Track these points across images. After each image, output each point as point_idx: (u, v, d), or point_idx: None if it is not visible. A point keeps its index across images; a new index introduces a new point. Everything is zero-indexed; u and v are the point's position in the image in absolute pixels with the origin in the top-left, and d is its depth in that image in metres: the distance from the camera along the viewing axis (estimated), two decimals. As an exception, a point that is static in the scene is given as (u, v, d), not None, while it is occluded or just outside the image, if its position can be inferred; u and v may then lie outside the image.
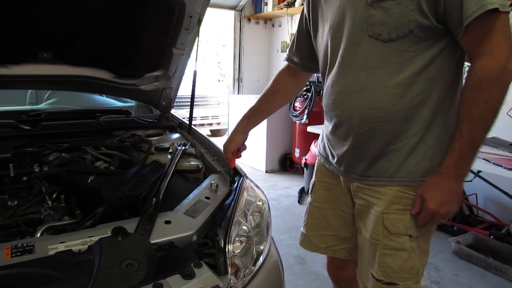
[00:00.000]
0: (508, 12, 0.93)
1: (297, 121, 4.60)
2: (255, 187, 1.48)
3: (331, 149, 1.29)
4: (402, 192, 1.12)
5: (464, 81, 1.03)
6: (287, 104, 3.54)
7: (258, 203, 1.39)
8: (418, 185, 1.10)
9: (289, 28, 5.34)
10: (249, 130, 1.47)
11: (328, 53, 1.20)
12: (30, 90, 2.61)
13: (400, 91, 1.06)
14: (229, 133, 1.48)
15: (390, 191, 1.13)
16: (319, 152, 1.41)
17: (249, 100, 5.18)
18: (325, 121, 1.32)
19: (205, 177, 1.58)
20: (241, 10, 5.54)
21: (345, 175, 1.25)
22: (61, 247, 0.99)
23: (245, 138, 1.45)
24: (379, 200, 1.15)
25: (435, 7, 0.97)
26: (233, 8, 5.49)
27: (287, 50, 1.47)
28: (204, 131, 6.36)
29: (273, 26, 5.80)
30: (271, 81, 1.48)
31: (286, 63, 1.48)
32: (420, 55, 1.03)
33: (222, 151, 1.49)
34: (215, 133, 7.25)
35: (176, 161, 1.58)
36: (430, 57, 1.04)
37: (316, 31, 1.29)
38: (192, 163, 1.67)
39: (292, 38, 1.45)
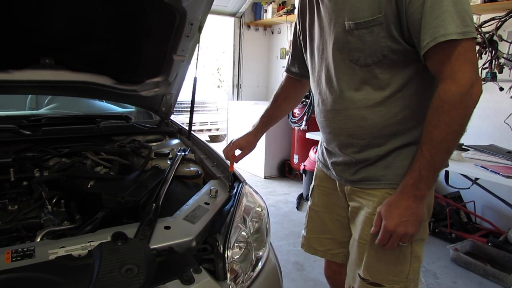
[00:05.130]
0: (473, 38, 0.94)
1: (296, 128, 4.62)
2: (254, 193, 1.49)
3: (327, 157, 1.35)
4: (390, 194, 1.13)
5: None
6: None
7: (257, 209, 1.40)
8: None
9: (288, 35, 5.37)
10: (262, 135, 1.54)
11: (316, 71, 1.26)
12: (30, 95, 2.62)
13: (382, 108, 1.10)
14: (228, 139, 1.52)
15: (379, 193, 1.16)
16: (318, 158, 1.45)
17: (248, 106, 5.20)
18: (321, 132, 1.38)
19: (204, 183, 1.59)
20: (241, 17, 5.57)
21: (339, 180, 1.31)
22: (61, 252, 1.00)
23: (255, 144, 1.53)
24: (369, 201, 1.18)
25: (403, 32, 1.01)
26: (233, 15, 5.53)
27: (287, 60, 1.52)
28: (203, 137, 6.37)
29: (272, 33, 5.84)
30: (279, 87, 1.54)
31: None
32: (398, 74, 1.07)
33: (229, 147, 1.51)
34: (214, 138, 7.26)
35: (175, 166, 1.58)
36: (409, 75, 1.07)
37: (305, 46, 1.35)
38: (191, 168, 1.67)
39: (290, 49, 1.50)
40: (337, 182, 1.33)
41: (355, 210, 1.26)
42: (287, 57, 1.52)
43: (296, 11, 4.95)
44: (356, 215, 1.25)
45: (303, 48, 1.38)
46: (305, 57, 1.37)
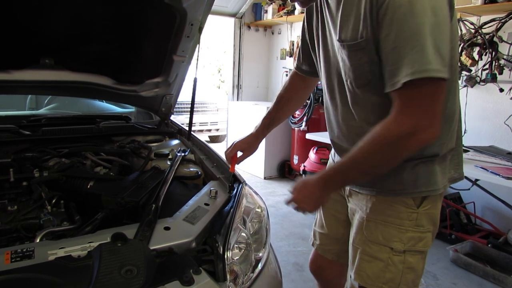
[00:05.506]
0: (434, 78, 0.86)
1: (296, 128, 4.62)
2: (254, 194, 1.48)
3: (335, 156, 1.38)
4: (381, 201, 1.15)
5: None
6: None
7: (257, 210, 1.40)
8: (394, 196, 1.13)
9: (288, 35, 5.37)
10: (264, 137, 1.54)
11: (322, 76, 1.26)
12: (30, 95, 2.62)
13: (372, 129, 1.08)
14: (228, 139, 1.54)
15: (372, 198, 1.17)
16: (331, 154, 1.47)
17: (248, 107, 5.20)
18: None
19: (204, 184, 1.59)
20: (241, 17, 5.58)
21: None
22: (61, 253, 0.99)
23: (257, 145, 1.53)
24: (362, 206, 1.21)
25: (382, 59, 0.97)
26: (233, 15, 5.53)
27: (295, 59, 1.52)
28: (203, 137, 6.36)
29: (272, 33, 5.84)
30: (282, 89, 1.54)
31: (292, 70, 1.54)
32: (387, 97, 0.99)
33: (231, 149, 1.50)
34: (214, 139, 7.27)
35: (175, 167, 1.58)
36: None
37: (313, 47, 1.32)
38: (191, 169, 1.67)
39: (298, 48, 1.49)
40: None
41: (352, 212, 1.29)
42: (287, 58, 1.57)
43: (296, 11, 4.99)
44: (353, 217, 1.28)
45: (311, 48, 1.35)
46: (313, 57, 1.35)
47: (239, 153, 1.51)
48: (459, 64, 3.12)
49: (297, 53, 1.48)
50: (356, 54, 1.00)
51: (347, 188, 1.29)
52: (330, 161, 1.48)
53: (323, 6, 1.16)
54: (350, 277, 1.25)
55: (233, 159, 1.49)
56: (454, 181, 1.19)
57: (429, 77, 0.86)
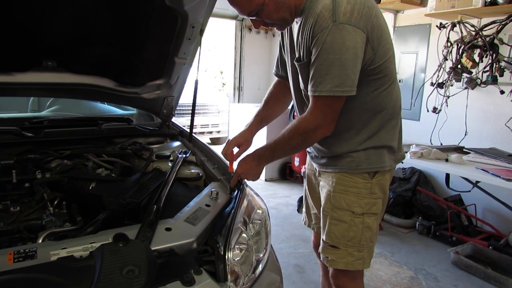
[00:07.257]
0: (334, 96, 1.23)
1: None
2: (255, 195, 1.49)
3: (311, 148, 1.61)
4: (343, 176, 1.43)
5: (387, 108, 1.37)
6: (287, 112, 3.81)
7: (258, 211, 1.41)
8: (352, 172, 1.41)
9: (289, 38, 5.38)
10: (257, 132, 1.67)
11: (291, 86, 1.52)
12: (32, 97, 2.63)
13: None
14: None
15: (336, 175, 1.44)
16: (309, 149, 1.65)
17: (249, 109, 5.20)
18: None
19: (205, 185, 1.60)
20: (242, 20, 5.59)
21: (314, 164, 1.59)
22: (63, 253, 1.00)
23: (252, 139, 1.63)
24: (330, 182, 1.47)
25: None
26: (234, 17, 5.55)
27: (275, 64, 1.68)
28: (204, 139, 6.37)
29: (273, 35, 5.85)
30: (268, 91, 1.71)
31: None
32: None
33: (227, 147, 1.57)
34: (215, 141, 7.27)
35: (176, 168, 1.59)
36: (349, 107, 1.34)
37: (284, 61, 1.55)
38: (192, 171, 1.68)
39: (277, 55, 1.65)
40: (314, 165, 1.60)
41: (321, 188, 1.53)
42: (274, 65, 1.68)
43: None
44: (322, 191, 1.51)
45: (285, 57, 1.53)
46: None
47: (236, 149, 1.56)
48: (459, 66, 3.14)
49: (276, 62, 1.67)
50: (305, 70, 1.30)
51: (317, 169, 1.56)
52: (309, 156, 1.68)
53: (292, 30, 1.40)
54: (322, 240, 1.48)
55: (230, 156, 1.53)
56: (398, 161, 1.49)
57: (333, 95, 1.23)
